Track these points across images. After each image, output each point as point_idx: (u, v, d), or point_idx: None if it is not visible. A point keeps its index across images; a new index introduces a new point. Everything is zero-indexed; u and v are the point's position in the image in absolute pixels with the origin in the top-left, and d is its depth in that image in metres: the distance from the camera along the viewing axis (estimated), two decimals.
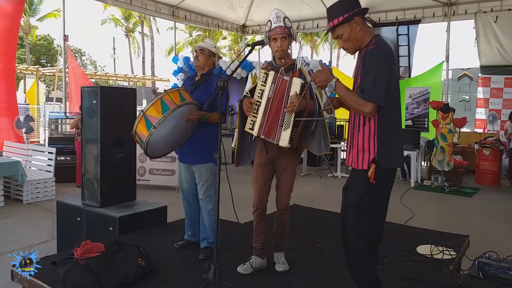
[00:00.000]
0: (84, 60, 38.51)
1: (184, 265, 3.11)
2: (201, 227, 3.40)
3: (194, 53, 3.47)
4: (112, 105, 3.85)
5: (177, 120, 3.14)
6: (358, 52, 2.40)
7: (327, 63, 10.66)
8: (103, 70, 36.71)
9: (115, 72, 27.40)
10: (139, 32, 34.42)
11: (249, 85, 3.13)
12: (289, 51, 3.04)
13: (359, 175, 2.32)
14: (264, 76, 2.93)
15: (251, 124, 2.96)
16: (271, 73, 2.91)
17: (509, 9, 9.10)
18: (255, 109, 2.94)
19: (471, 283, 2.86)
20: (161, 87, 29.31)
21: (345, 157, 9.97)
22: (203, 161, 3.34)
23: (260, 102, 2.93)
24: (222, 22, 11.90)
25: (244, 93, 3.12)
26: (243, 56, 2.87)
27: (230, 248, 3.39)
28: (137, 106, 4.25)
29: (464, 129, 8.89)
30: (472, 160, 9.02)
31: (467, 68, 11.75)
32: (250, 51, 2.85)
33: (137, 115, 3.17)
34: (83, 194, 3.99)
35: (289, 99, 2.81)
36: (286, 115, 2.82)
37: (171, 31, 13.43)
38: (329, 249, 3.51)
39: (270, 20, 2.95)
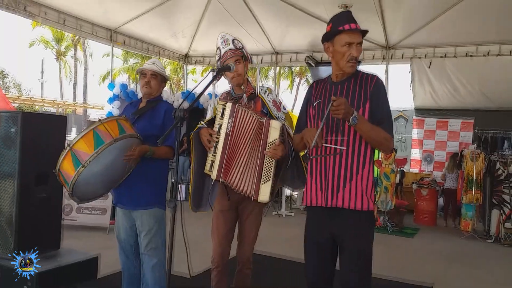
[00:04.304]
0: (6, 83, 35.52)
1: None
2: (143, 287, 2.81)
3: (142, 78, 2.96)
4: (36, 135, 3.21)
5: (114, 155, 2.55)
6: (345, 78, 2.20)
7: None
8: (28, 94, 34.04)
9: (42, 96, 25.45)
10: (71, 56, 32.66)
11: (209, 116, 2.72)
12: (247, 77, 2.69)
13: (362, 218, 2.14)
14: (221, 109, 2.54)
15: (210, 164, 2.54)
16: (228, 105, 2.51)
17: (441, 57, 9.67)
18: (214, 146, 2.53)
19: None
20: (93, 114, 27.74)
21: (291, 194, 9.79)
22: (145, 206, 2.78)
23: (218, 139, 2.52)
24: (163, 50, 11.40)
25: (199, 124, 2.67)
26: (206, 83, 2.44)
27: None
28: (66, 135, 3.61)
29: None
30: (410, 200, 9.20)
31: (403, 110, 12.28)
32: (215, 77, 2.45)
33: (64, 149, 2.56)
34: None
35: (267, 146, 2.42)
36: (265, 166, 2.42)
37: (106, 58, 12.68)
38: None
39: (218, 47, 2.59)
